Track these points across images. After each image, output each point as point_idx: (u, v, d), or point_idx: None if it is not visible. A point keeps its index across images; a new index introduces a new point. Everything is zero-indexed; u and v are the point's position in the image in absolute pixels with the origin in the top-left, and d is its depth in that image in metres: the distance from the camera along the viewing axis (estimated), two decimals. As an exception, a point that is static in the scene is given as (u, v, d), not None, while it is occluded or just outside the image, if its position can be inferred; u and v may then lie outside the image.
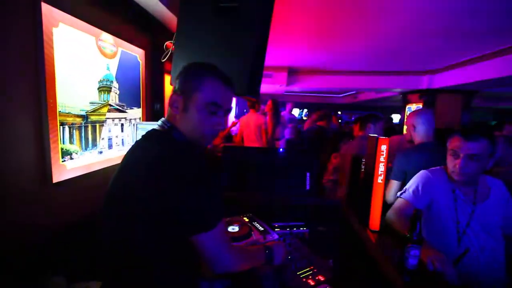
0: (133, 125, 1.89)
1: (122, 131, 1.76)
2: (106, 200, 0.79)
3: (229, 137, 4.64)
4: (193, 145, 0.82)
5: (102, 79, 1.53)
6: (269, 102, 3.84)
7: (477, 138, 1.17)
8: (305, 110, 11.14)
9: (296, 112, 9.85)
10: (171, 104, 0.82)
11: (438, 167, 1.39)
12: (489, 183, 1.30)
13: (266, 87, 5.69)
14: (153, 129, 0.84)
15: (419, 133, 1.79)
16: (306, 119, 7.70)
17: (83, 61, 1.37)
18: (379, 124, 2.29)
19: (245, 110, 8.59)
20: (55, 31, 1.15)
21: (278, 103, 3.91)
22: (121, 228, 0.74)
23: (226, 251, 0.77)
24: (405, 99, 6.04)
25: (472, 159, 1.18)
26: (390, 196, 1.77)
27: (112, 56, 1.62)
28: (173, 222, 0.70)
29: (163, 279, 0.74)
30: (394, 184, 1.78)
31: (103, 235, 0.78)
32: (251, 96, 1.56)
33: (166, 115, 0.86)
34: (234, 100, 6.32)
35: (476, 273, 1.18)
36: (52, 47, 1.14)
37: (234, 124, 4.49)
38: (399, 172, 1.75)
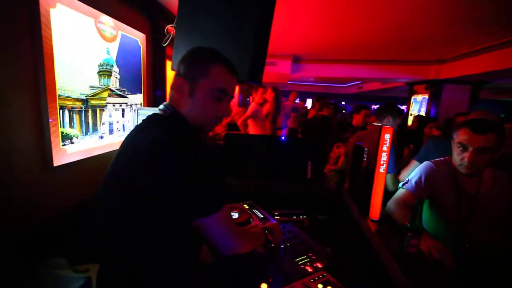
0: (134, 110, 1.87)
1: (123, 116, 1.75)
2: (104, 183, 0.79)
3: (232, 125, 4.62)
4: (195, 129, 0.82)
5: (102, 63, 1.51)
6: (269, 90, 3.77)
7: (486, 131, 1.14)
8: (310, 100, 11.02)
9: (309, 103, 9.61)
10: (176, 88, 0.81)
11: (442, 158, 1.36)
12: (494, 174, 1.27)
13: (269, 76, 5.61)
14: (154, 113, 0.82)
15: None
16: (309, 109, 7.63)
17: (82, 43, 1.34)
18: (399, 120, 2.01)
19: (247, 100, 8.52)
20: (52, 12, 1.12)
21: (279, 90, 3.84)
22: (120, 211, 0.74)
23: (230, 234, 0.78)
24: (411, 90, 5.94)
25: (480, 153, 1.15)
26: (405, 176, 1.77)
27: (112, 39, 1.59)
28: (176, 205, 0.70)
29: (162, 263, 0.74)
30: (415, 164, 1.76)
31: (99, 218, 0.78)
32: (253, 83, 1.53)
33: (168, 100, 0.85)
34: (237, 88, 6.26)
35: (477, 264, 1.17)
36: (49, 28, 1.12)
37: (237, 111, 4.46)
38: (424, 155, 1.74)
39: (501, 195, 1.23)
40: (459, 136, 1.22)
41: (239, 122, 3.53)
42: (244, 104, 7.48)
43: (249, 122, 3.58)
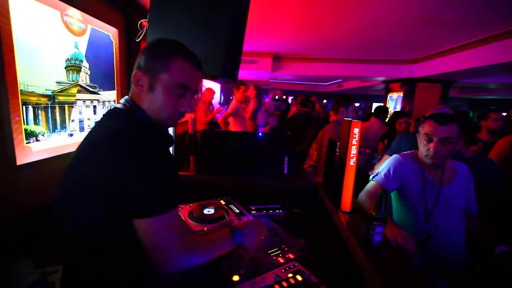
0: (107, 107, 1.82)
1: (94, 113, 1.69)
2: (61, 180, 0.76)
3: (214, 124, 4.58)
4: (153, 125, 0.78)
5: (69, 58, 1.45)
6: (251, 87, 3.78)
7: (449, 122, 1.24)
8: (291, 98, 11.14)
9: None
10: (135, 82, 0.78)
11: (409, 151, 1.43)
12: (455, 166, 1.36)
13: (251, 73, 5.62)
14: (115, 107, 0.79)
15: None
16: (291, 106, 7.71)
17: (47, 37, 1.28)
18: (352, 106, 2.31)
19: (231, 98, 8.47)
20: (11, 1, 1.07)
21: (261, 89, 3.86)
22: (71, 209, 0.71)
23: (171, 245, 0.67)
24: (388, 88, 6.16)
25: (444, 143, 1.24)
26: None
27: (81, 33, 1.53)
28: (116, 202, 0.64)
29: (112, 261, 0.70)
30: (387, 158, 1.84)
31: (55, 216, 0.75)
32: (228, 79, 1.53)
33: (129, 93, 0.82)
34: (219, 86, 6.20)
35: (440, 251, 1.25)
36: (8, 18, 1.06)
37: (218, 111, 4.42)
38: (397, 149, 1.82)
39: (462, 184, 1.32)
40: (425, 128, 1.30)
41: (219, 120, 3.52)
42: (227, 102, 7.43)
43: (230, 119, 3.58)
